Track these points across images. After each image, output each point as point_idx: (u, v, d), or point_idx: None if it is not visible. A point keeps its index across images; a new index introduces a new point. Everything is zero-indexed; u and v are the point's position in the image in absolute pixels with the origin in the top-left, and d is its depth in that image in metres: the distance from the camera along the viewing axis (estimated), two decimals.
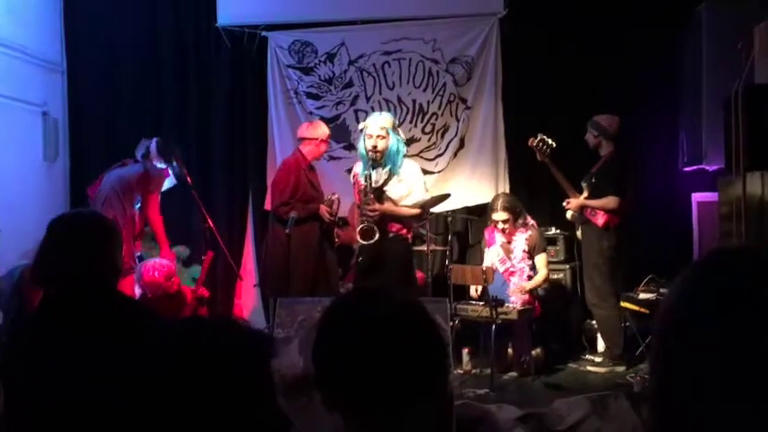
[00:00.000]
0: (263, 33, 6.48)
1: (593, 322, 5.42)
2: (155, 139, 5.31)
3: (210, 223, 5.46)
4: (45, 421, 1.89)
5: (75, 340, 1.94)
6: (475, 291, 5.23)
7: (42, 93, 6.17)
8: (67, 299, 2.04)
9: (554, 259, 5.65)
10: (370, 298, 1.32)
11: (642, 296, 5.06)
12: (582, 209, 5.15)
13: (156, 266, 4.55)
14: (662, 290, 4.97)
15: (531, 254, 5.14)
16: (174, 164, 5.29)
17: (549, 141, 5.08)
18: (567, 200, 5.20)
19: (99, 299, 2.06)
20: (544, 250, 5.24)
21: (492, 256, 5.29)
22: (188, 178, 5.36)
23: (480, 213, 6.18)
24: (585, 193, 5.18)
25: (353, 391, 1.19)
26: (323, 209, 5.14)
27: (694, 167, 5.49)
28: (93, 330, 1.95)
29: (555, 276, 5.61)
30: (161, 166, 5.24)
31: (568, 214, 5.28)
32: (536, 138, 5.10)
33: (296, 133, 5.68)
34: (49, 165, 6.26)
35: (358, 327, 1.23)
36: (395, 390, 1.18)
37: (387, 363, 1.18)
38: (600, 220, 5.05)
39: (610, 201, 5.02)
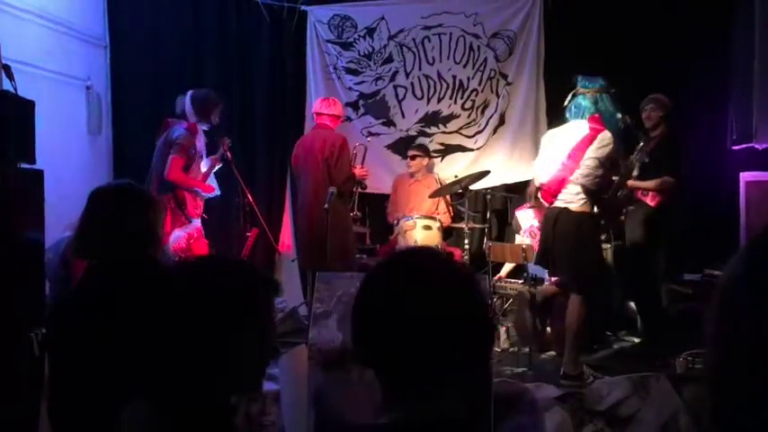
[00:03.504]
0: (303, 8, 6.46)
1: (632, 302, 5.34)
2: (189, 93, 5.12)
3: (250, 198, 5.50)
4: (89, 391, 1.92)
5: (118, 310, 1.97)
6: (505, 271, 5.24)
7: (86, 67, 6.25)
8: (109, 270, 2.07)
9: None
10: (422, 257, 1.26)
11: (687, 277, 4.96)
12: (632, 189, 5.07)
13: (179, 235, 4.69)
14: (707, 271, 4.86)
15: None
16: (212, 121, 5.10)
17: (623, 125, 4.96)
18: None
19: (140, 269, 2.09)
20: None
21: (524, 238, 5.26)
22: (228, 153, 5.38)
23: (520, 191, 6.10)
24: (636, 172, 5.08)
25: (392, 354, 1.13)
26: (358, 171, 5.25)
27: (743, 146, 5.33)
28: (134, 300, 1.98)
29: None
30: (203, 126, 5.14)
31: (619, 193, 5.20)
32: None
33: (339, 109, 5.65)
34: (93, 138, 6.37)
35: (405, 284, 1.16)
36: (437, 355, 1.12)
37: (431, 325, 1.11)
38: (654, 200, 4.95)
39: (664, 181, 4.91)
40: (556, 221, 4.15)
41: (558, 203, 4.18)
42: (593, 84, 4.26)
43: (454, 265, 1.23)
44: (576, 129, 4.18)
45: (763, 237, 0.72)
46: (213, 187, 5.23)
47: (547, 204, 4.37)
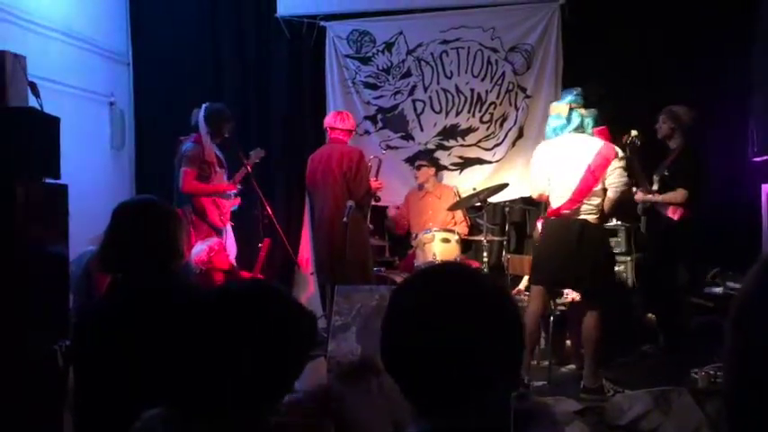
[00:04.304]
0: (322, 23, 6.52)
1: (653, 315, 5.30)
2: (204, 106, 5.21)
3: (269, 211, 5.54)
4: (114, 402, 1.95)
5: (141, 324, 2.00)
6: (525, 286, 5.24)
7: (109, 83, 6.36)
8: (132, 283, 2.11)
9: (615, 250, 5.53)
10: (455, 272, 1.22)
11: (708, 290, 4.92)
12: (652, 202, 5.06)
13: (201, 248, 4.76)
14: (728, 283, 4.81)
15: None
16: (224, 134, 5.20)
17: (639, 140, 4.97)
18: (638, 193, 5.11)
19: (162, 283, 2.12)
20: None
21: None
22: (248, 167, 5.43)
23: (539, 203, 6.09)
24: (656, 186, 5.07)
25: (425, 371, 1.10)
26: (374, 184, 5.26)
27: (765, 157, 5.28)
28: (157, 314, 2.01)
29: (616, 268, 5.49)
30: (215, 140, 5.17)
31: (638, 207, 5.19)
32: (629, 135, 4.99)
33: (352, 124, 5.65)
34: (116, 153, 6.47)
35: (437, 300, 1.12)
36: (469, 374, 1.08)
37: (465, 343, 1.08)
38: (675, 213, 4.93)
39: (677, 195, 4.90)
40: (581, 235, 4.16)
41: (577, 216, 4.19)
42: (582, 99, 4.39)
43: (485, 281, 1.19)
44: (586, 142, 4.26)
45: None
46: (234, 185, 5.32)
47: (550, 216, 4.38)
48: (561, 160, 4.27)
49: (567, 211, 4.23)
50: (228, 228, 5.38)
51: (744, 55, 5.63)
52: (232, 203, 5.37)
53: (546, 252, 4.38)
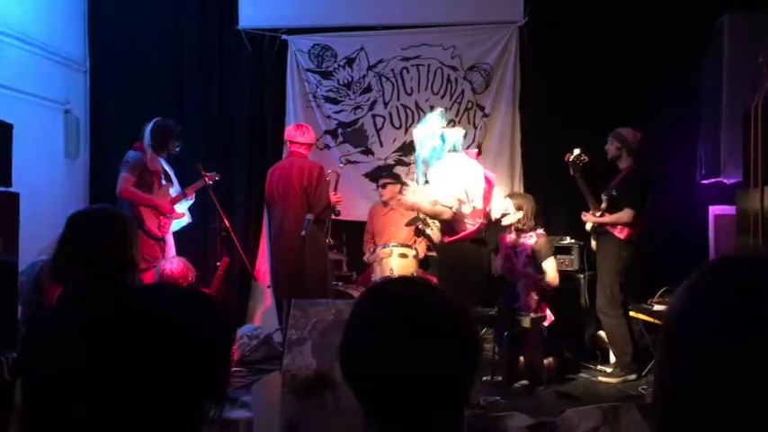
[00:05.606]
0: (284, 37, 6.54)
1: (603, 333, 5.41)
2: (154, 120, 5.27)
3: (227, 223, 5.50)
4: (62, 416, 1.91)
5: (93, 336, 1.97)
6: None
7: (65, 91, 6.25)
8: (85, 294, 2.07)
9: (568, 268, 5.64)
10: (413, 288, 1.22)
11: (656, 308, 5.03)
12: (599, 224, 5.17)
13: (176, 263, 4.70)
14: None
15: (534, 259, 5.15)
16: (170, 151, 5.27)
17: (584, 157, 5.08)
18: (584, 214, 5.21)
19: (115, 294, 2.09)
20: (551, 255, 5.23)
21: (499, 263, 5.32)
22: (206, 178, 5.40)
23: (497, 220, 6.17)
24: (604, 205, 5.17)
25: (379, 390, 1.11)
26: (333, 198, 5.27)
27: (712, 180, 5.45)
28: (109, 326, 1.98)
29: (569, 286, 5.60)
30: (155, 153, 5.21)
31: (587, 225, 5.29)
32: (572, 153, 5.09)
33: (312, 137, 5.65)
34: (70, 162, 6.35)
35: (394, 317, 1.12)
36: (424, 392, 1.09)
37: (421, 362, 1.08)
38: (622, 233, 5.05)
39: (623, 215, 5.02)
40: (489, 254, 4.44)
41: (481, 236, 4.43)
42: (444, 119, 4.58)
43: (444, 298, 1.20)
44: (472, 162, 4.45)
45: (701, 274, 0.75)
46: (172, 208, 5.30)
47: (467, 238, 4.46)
48: (470, 180, 4.35)
49: (477, 233, 4.34)
50: (169, 238, 5.35)
51: (695, 81, 5.82)
52: (174, 216, 5.36)
53: (471, 276, 4.41)
